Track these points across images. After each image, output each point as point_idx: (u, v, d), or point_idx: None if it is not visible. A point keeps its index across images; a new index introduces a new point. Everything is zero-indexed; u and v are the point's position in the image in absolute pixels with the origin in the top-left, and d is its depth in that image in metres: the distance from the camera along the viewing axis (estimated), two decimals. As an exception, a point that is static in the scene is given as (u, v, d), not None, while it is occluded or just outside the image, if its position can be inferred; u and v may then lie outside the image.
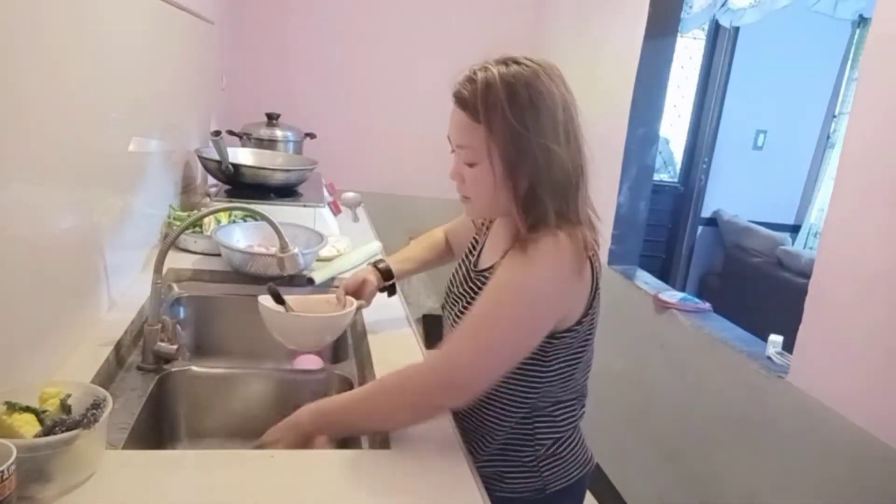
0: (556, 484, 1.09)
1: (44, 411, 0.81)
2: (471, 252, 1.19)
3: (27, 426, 0.78)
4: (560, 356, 1.02)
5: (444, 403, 0.99)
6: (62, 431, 0.77)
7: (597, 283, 1.01)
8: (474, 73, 0.96)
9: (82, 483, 0.79)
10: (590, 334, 1.05)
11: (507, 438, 1.07)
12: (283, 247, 1.35)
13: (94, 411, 0.81)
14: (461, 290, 1.13)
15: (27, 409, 0.80)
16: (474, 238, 1.20)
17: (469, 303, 1.06)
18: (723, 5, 2.47)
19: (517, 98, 0.93)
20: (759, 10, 2.41)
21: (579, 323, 1.00)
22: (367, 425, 1.04)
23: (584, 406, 1.14)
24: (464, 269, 1.17)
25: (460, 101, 0.97)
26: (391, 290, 1.42)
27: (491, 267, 1.07)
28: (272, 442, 0.99)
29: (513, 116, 0.93)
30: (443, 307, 1.20)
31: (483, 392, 0.98)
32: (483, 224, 1.19)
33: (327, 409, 1.01)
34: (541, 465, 1.08)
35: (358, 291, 1.35)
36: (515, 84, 0.94)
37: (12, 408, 0.79)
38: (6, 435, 0.75)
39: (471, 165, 0.98)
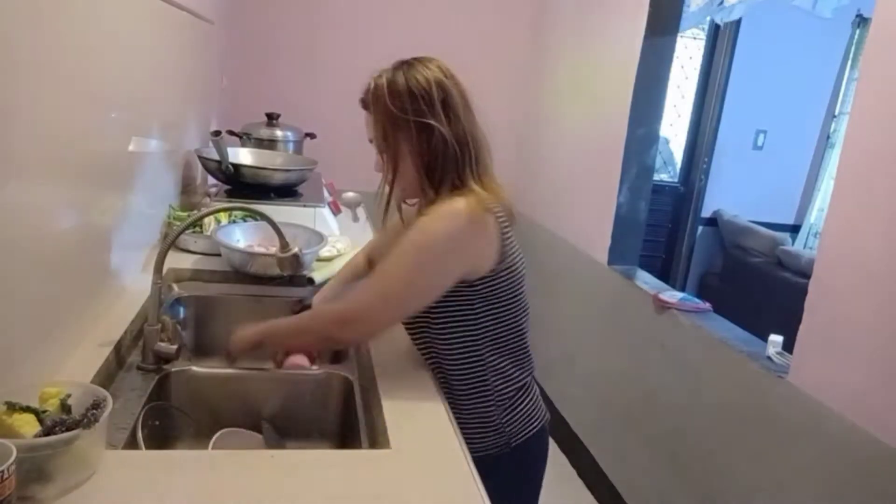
0: (519, 437, 1.21)
1: (44, 411, 0.81)
2: None
3: (27, 426, 0.78)
4: (486, 302, 1.15)
5: (343, 336, 1.20)
6: (62, 431, 0.77)
7: (504, 235, 1.14)
8: (371, 79, 1.17)
9: (83, 483, 0.79)
10: (513, 283, 1.17)
11: (470, 399, 1.19)
12: (284, 246, 1.35)
13: (95, 411, 0.81)
14: None
15: (27, 409, 0.80)
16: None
17: None
18: (720, 4, 2.47)
19: (395, 87, 1.12)
20: (744, 5, 2.41)
21: (493, 271, 1.13)
22: (299, 344, 1.26)
23: (531, 361, 1.26)
24: None
25: (361, 102, 1.18)
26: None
27: None
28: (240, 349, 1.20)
29: (391, 103, 1.12)
30: None
31: (380, 331, 1.18)
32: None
33: (273, 332, 1.23)
34: (503, 419, 1.20)
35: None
36: (395, 77, 1.14)
37: (12, 408, 0.79)
38: (6, 435, 0.75)
39: (381, 153, 1.17)
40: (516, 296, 1.19)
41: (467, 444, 1.08)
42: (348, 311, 1.15)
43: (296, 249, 1.37)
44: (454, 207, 1.09)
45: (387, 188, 1.19)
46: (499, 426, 1.20)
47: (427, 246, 1.09)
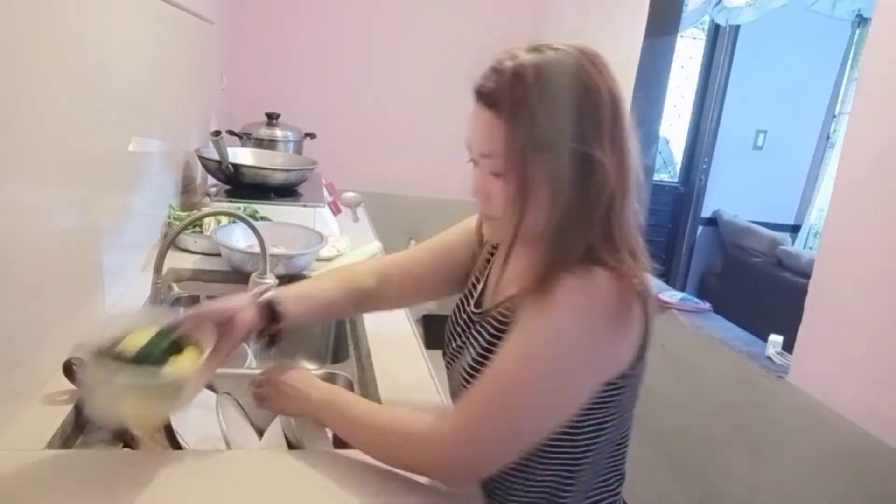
0: None
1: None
2: (472, 290, 0.97)
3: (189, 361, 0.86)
4: (600, 416, 0.83)
5: (446, 481, 0.84)
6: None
7: (648, 327, 0.81)
8: (501, 62, 0.76)
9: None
10: (637, 389, 0.87)
11: None
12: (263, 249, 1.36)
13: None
14: (463, 338, 0.93)
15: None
16: (475, 277, 0.98)
17: (479, 356, 0.87)
18: (717, 3, 2.47)
19: (553, 93, 0.74)
20: (756, 10, 2.41)
21: (623, 376, 0.81)
22: (359, 447, 0.88)
23: (622, 481, 0.93)
24: (465, 312, 0.96)
25: (483, 95, 0.77)
26: (272, 340, 1.02)
27: (495, 307, 0.88)
28: (265, 389, 0.95)
29: (546, 115, 0.73)
30: (444, 354, 0.99)
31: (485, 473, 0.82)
32: (487, 257, 0.98)
33: (337, 409, 0.89)
34: None
35: (225, 325, 0.92)
36: (552, 75, 0.74)
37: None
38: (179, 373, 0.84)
39: (497, 176, 0.79)
40: (635, 398, 0.88)
41: None
42: (472, 452, 0.77)
43: (278, 249, 1.37)
44: (593, 287, 0.74)
45: (494, 227, 0.84)
46: None
47: (559, 345, 0.75)
